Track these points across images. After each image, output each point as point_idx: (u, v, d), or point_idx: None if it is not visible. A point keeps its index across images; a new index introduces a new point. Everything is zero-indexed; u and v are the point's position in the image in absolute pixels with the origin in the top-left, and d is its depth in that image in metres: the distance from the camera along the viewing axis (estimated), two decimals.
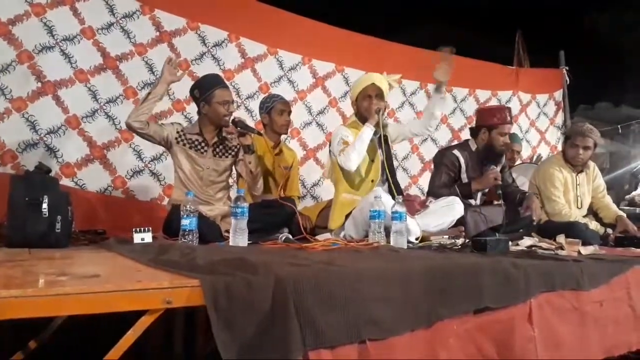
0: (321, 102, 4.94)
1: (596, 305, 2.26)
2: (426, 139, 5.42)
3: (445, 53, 3.26)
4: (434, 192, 3.59)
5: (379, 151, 3.33)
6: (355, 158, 3.13)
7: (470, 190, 3.55)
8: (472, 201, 3.63)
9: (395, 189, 3.25)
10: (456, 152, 3.67)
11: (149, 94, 2.97)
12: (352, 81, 5.04)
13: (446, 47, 3.26)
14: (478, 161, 3.63)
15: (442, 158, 3.69)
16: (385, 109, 3.32)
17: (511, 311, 1.95)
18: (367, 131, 3.19)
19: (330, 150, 3.42)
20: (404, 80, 4.90)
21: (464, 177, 3.63)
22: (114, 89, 3.85)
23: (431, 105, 3.41)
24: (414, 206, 3.24)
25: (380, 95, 3.29)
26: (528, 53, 6.56)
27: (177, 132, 3.07)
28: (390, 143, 3.44)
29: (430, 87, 5.40)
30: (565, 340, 2.10)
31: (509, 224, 3.41)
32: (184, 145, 3.07)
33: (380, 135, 3.28)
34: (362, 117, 3.33)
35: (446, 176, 3.60)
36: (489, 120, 3.64)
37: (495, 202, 3.77)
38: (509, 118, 3.63)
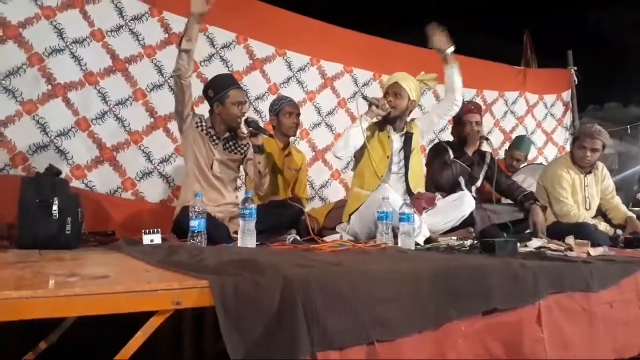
0: (330, 103, 4.94)
1: (606, 307, 2.24)
2: (434, 139, 5.41)
3: (432, 26, 3.33)
4: (437, 178, 3.60)
5: (400, 148, 3.33)
6: (340, 146, 3.27)
7: (468, 155, 3.64)
8: (474, 188, 3.66)
9: (407, 188, 3.27)
10: (443, 143, 3.83)
11: (181, 39, 2.97)
12: (361, 82, 5.10)
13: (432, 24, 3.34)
14: (460, 152, 3.68)
15: (434, 150, 3.80)
16: (407, 107, 3.33)
17: (520, 312, 1.94)
18: (356, 123, 3.26)
19: None
20: None
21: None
22: (123, 91, 3.87)
23: (449, 81, 3.38)
24: (420, 204, 3.18)
25: (398, 93, 3.29)
26: (536, 53, 6.52)
27: (198, 117, 3.10)
28: (413, 140, 3.38)
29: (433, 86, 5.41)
30: (575, 342, 2.09)
31: (517, 223, 3.42)
32: (202, 131, 3.09)
33: (405, 132, 3.33)
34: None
35: (444, 160, 3.64)
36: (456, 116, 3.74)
37: (504, 201, 3.77)
38: (464, 109, 3.66)
